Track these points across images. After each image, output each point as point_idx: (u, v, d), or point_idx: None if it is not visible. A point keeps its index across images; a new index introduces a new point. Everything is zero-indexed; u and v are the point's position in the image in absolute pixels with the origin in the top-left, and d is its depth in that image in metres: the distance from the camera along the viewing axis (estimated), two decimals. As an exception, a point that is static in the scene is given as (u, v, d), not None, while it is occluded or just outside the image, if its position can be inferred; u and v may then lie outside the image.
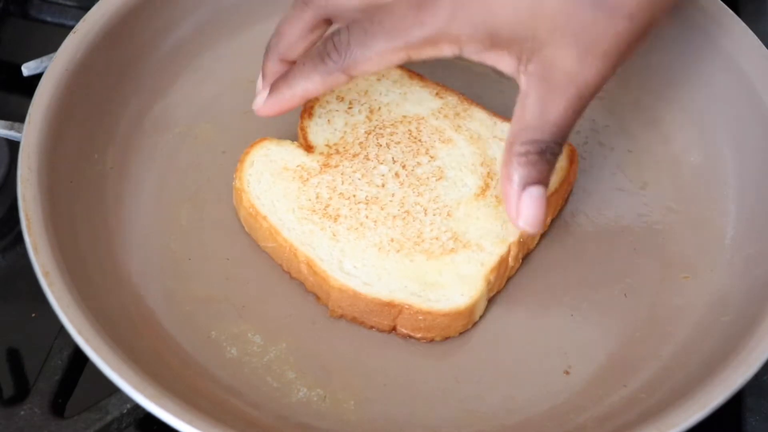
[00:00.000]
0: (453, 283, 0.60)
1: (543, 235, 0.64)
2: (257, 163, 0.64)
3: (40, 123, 0.61)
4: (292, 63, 0.61)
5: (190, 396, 0.54)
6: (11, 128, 0.64)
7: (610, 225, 0.65)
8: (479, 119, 0.66)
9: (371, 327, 0.60)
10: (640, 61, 0.71)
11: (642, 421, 0.53)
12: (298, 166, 0.64)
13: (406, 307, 0.59)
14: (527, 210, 0.56)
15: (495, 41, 0.55)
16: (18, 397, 0.63)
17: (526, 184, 0.56)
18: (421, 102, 0.67)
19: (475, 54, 0.56)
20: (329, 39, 0.58)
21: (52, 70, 0.63)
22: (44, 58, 0.67)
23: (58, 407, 0.59)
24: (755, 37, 0.67)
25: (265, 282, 0.62)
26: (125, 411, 0.58)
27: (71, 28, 0.65)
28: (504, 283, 0.62)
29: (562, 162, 0.64)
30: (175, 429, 0.51)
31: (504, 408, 0.58)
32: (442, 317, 0.59)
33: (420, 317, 0.59)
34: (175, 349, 0.59)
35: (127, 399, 0.58)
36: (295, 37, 0.60)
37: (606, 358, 0.60)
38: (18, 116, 0.63)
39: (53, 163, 0.60)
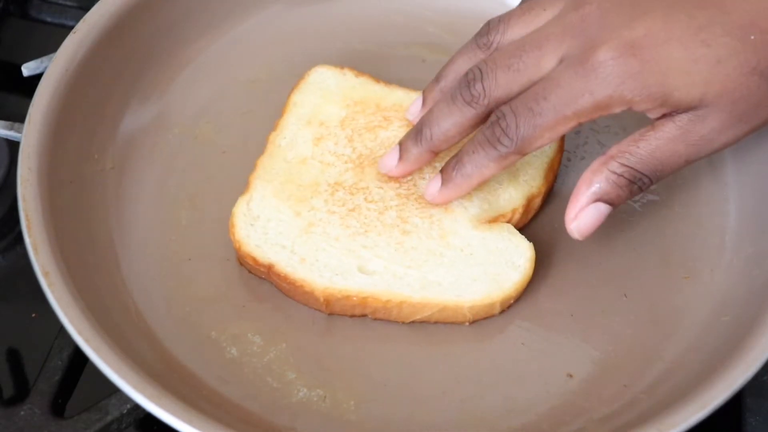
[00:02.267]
0: None
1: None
2: None
3: (40, 123, 0.61)
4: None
5: (190, 396, 0.54)
6: (11, 128, 0.64)
7: (609, 225, 0.65)
8: None
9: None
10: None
11: (642, 421, 0.53)
12: None
13: None
14: (586, 219, 0.57)
15: (666, 102, 0.55)
16: (18, 397, 0.63)
17: (600, 198, 0.57)
18: None
19: (643, 110, 0.56)
20: (496, 125, 0.57)
21: (52, 70, 0.63)
22: (44, 58, 0.67)
23: (58, 407, 0.59)
24: (755, 37, 0.67)
25: (264, 282, 0.62)
26: (125, 411, 0.58)
27: (71, 28, 0.65)
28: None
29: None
30: (175, 429, 0.51)
31: (504, 409, 0.58)
32: None
33: None
34: (175, 350, 0.59)
35: (127, 399, 0.58)
36: (454, 134, 0.59)
37: (606, 358, 0.60)
38: (18, 116, 0.63)
39: (53, 163, 0.60)
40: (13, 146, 0.69)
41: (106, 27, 0.66)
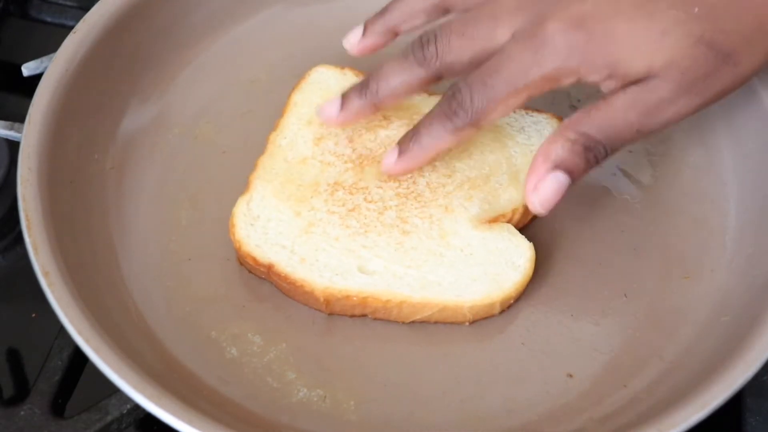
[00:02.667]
0: None
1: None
2: None
3: (40, 123, 0.61)
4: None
5: (190, 396, 0.54)
6: (11, 128, 0.64)
7: (609, 225, 0.65)
8: None
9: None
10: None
11: (642, 421, 0.53)
12: None
13: None
14: (546, 190, 0.57)
15: (613, 73, 0.56)
16: (18, 397, 0.63)
17: (557, 167, 0.57)
18: None
19: (592, 81, 0.57)
20: (452, 99, 0.58)
21: (52, 70, 0.63)
22: (44, 58, 0.67)
23: (58, 407, 0.60)
24: (755, 37, 0.67)
25: (264, 282, 0.62)
26: (125, 411, 0.58)
27: (71, 28, 0.65)
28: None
29: None
30: (175, 429, 0.51)
31: (504, 409, 0.58)
32: None
33: None
34: (175, 349, 0.59)
35: (127, 399, 0.58)
36: (401, 92, 0.61)
37: (606, 358, 0.60)
38: (18, 116, 0.63)
39: (53, 163, 0.60)
40: (13, 146, 0.69)
41: (106, 27, 0.66)
